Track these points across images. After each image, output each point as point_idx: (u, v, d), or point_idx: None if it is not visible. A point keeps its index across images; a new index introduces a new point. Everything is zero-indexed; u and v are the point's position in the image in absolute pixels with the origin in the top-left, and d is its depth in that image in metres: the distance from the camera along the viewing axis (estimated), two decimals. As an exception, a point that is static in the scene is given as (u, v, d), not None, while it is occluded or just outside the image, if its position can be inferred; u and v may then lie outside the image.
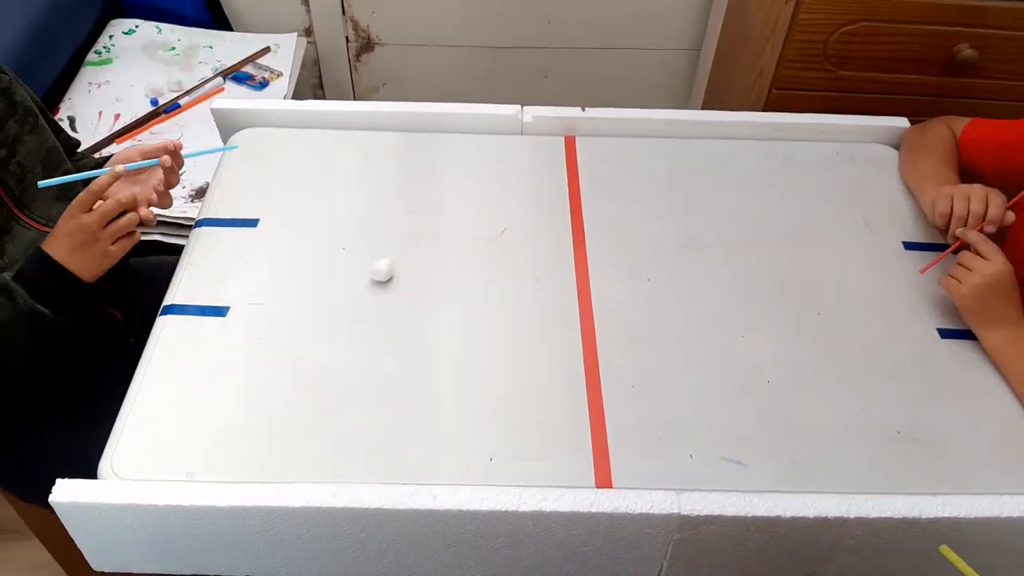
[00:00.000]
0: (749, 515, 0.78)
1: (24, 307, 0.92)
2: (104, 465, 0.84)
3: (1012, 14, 1.34)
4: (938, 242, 1.09)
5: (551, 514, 0.78)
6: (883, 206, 1.14)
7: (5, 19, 1.49)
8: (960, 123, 1.15)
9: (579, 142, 1.23)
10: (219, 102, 1.24)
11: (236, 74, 1.71)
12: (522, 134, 1.25)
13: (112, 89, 1.64)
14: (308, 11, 1.94)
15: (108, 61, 1.70)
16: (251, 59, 1.74)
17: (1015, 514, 0.79)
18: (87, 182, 0.95)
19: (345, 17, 1.97)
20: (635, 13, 1.95)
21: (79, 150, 1.27)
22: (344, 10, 1.96)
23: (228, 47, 1.78)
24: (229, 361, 0.93)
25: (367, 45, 2.04)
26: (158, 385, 0.91)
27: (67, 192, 1.05)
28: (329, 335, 0.96)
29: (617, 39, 2.00)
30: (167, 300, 1.00)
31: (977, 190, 0.99)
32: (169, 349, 0.94)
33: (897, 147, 1.23)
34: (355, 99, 2.13)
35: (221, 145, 1.25)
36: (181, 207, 1.42)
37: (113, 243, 0.95)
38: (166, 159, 1.01)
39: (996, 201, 0.97)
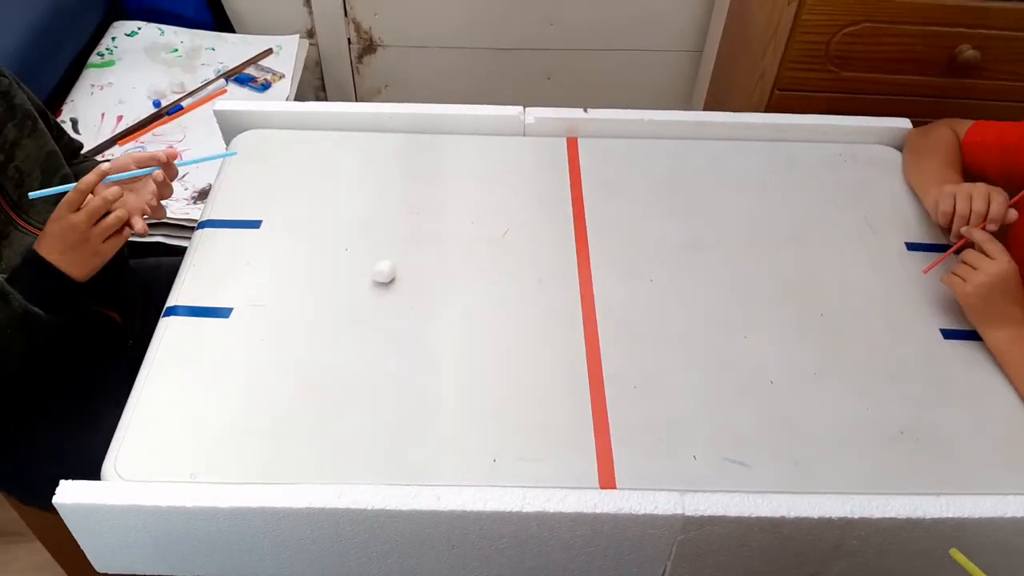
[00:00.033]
0: (753, 516, 0.78)
1: (19, 309, 0.92)
2: (108, 466, 0.84)
3: (1014, 15, 1.35)
4: (941, 243, 1.09)
5: (555, 515, 0.78)
6: (885, 207, 1.14)
7: (8, 21, 1.49)
8: (963, 125, 1.15)
9: (581, 143, 1.23)
10: (222, 104, 1.24)
11: (238, 76, 1.71)
12: (524, 135, 1.25)
13: (115, 91, 1.64)
14: (310, 13, 1.94)
15: (111, 63, 1.70)
16: (253, 61, 1.75)
17: (1020, 514, 0.79)
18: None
19: (347, 19, 1.97)
20: (637, 15, 1.95)
21: (82, 152, 1.27)
22: (346, 12, 1.96)
23: (230, 49, 1.79)
24: (232, 362, 0.93)
25: (369, 47, 2.04)
26: (161, 386, 0.91)
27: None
28: (332, 336, 0.96)
29: (619, 41, 2.00)
30: (170, 301, 1.00)
31: (979, 188, 0.99)
32: (172, 350, 0.94)
33: (899, 148, 1.23)
34: (357, 101, 2.13)
35: (223, 148, 1.26)
36: (183, 209, 1.42)
37: (103, 241, 0.94)
38: (158, 173, 0.99)
39: (998, 199, 0.97)
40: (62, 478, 0.79)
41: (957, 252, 1.00)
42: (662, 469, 0.84)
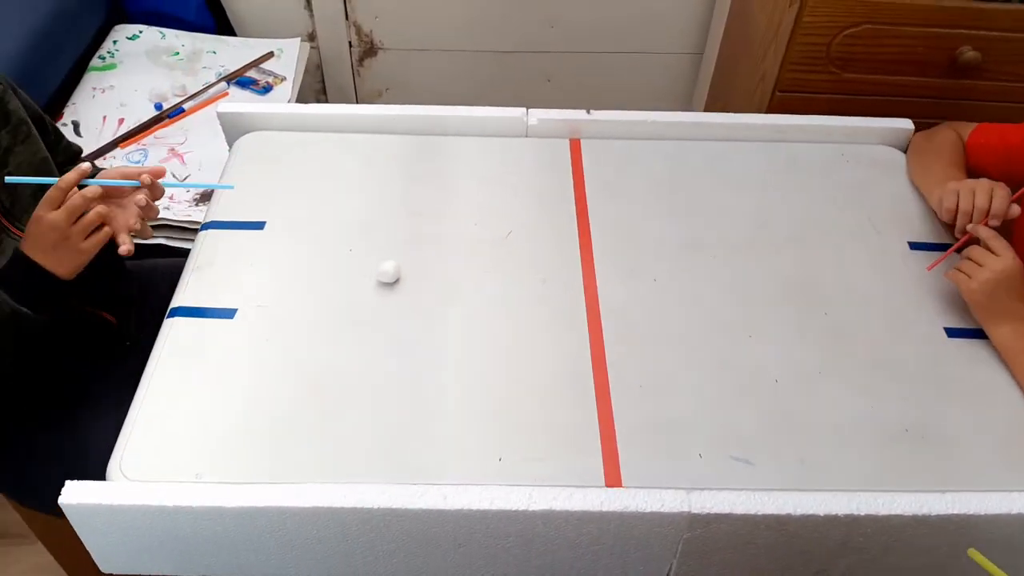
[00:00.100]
0: (759, 513, 0.78)
1: (7, 309, 0.92)
2: (113, 466, 0.84)
3: (1014, 16, 1.35)
4: (944, 242, 1.09)
5: (561, 513, 0.78)
6: (888, 207, 1.15)
7: (9, 24, 1.49)
8: (966, 128, 1.16)
9: (584, 144, 1.23)
10: (224, 106, 1.24)
11: (240, 79, 1.71)
12: (527, 136, 1.25)
13: (116, 94, 1.64)
14: (311, 16, 1.95)
15: (112, 66, 1.71)
16: (255, 64, 1.75)
17: (1025, 511, 0.79)
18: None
19: (348, 22, 1.98)
20: (637, 17, 1.95)
21: (82, 156, 1.27)
22: (347, 15, 1.96)
23: (232, 52, 1.79)
24: (237, 363, 0.93)
25: (370, 50, 2.04)
26: (166, 386, 0.91)
27: None
28: (336, 337, 0.96)
29: (619, 43, 2.01)
30: (174, 302, 1.00)
31: (982, 184, 0.99)
32: (177, 351, 0.94)
33: (901, 148, 1.24)
34: (358, 104, 2.14)
35: (225, 150, 1.25)
36: (185, 211, 1.42)
37: (84, 239, 0.93)
38: (140, 198, 0.97)
39: (1000, 194, 0.98)
40: (61, 480, 0.79)
41: (960, 249, 1.01)
42: (667, 468, 0.84)
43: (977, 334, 0.98)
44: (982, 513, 0.79)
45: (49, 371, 1.10)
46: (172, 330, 0.97)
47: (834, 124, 1.24)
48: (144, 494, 0.78)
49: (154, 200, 1.00)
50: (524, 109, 1.24)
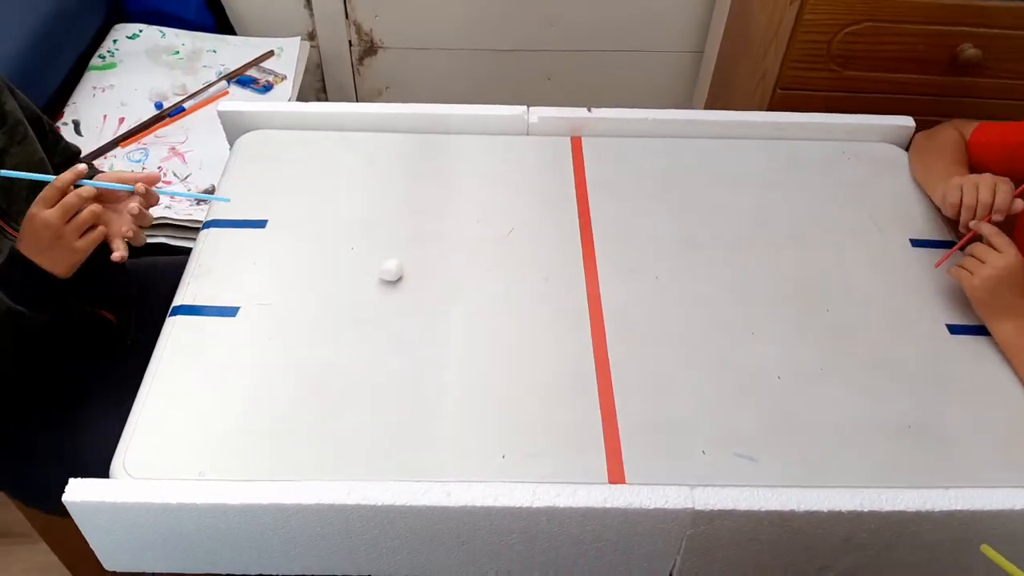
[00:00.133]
0: (763, 509, 0.78)
1: (2, 308, 0.91)
2: (116, 464, 0.84)
3: (1015, 13, 1.35)
4: (946, 239, 1.09)
5: (565, 510, 0.78)
6: (889, 204, 1.15)
7: (9, 24, 1.49)
8: (968, 127, 1.16)
9: (585, 142, 1.23)
10: (225, 104, 1.24)
11: (240, 78, 1.71)
12: (528, 135, 1.25)
13: (116, 93, 1.64)
14: (311, 15, 1.94)
15: (112, 65, 1.70)
16: (255, 63, 1.75)
17: (1029, 507, 0.79)
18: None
19: (348, 21, 1.98)
20: (637, 15, 1.95)
21: (81, 155, 1.27)
22: (347, 14, 1.96)
23: (232, 51, 1.79)
24: (239, 361, 0.93)
25: (370, 49, 2.04)
26: (168, 385, 0.91)
27: None
28: (339, 335, 0.96)
29: (619, 41, 2.01)
30: (176, 301, 1.00)
31: (986, 179, 1.00)
32: (179, 349, 0.94)
33: (902, 146, 1.24)
34: (358, 103, 2.14)
35: (226, 148, 1.26)
36: (186, 210, 1.42)
37: (78, 238, 0.93)
38: (134, 205, 0.97)
39: (1004, 189, 0.98)
40: (64, 480, 0.79)
41: (965, 246, 1.01)
42: (670, 465, 0.84)
43: (980, 331, 0.98)
44: (986, 509, 0.79)
45: (50, 370, 1.09)
46: (174, 329, 0.96)
47: (835, 122, 1.24)
48: (148, 491, 0.78)
49: (148, 207, 0.99)
50: (525, 107, 1.24)
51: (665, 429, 0.87)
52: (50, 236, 0.91)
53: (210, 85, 1.67)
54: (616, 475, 0.83)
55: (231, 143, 1.25)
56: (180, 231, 1.39)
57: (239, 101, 1.56)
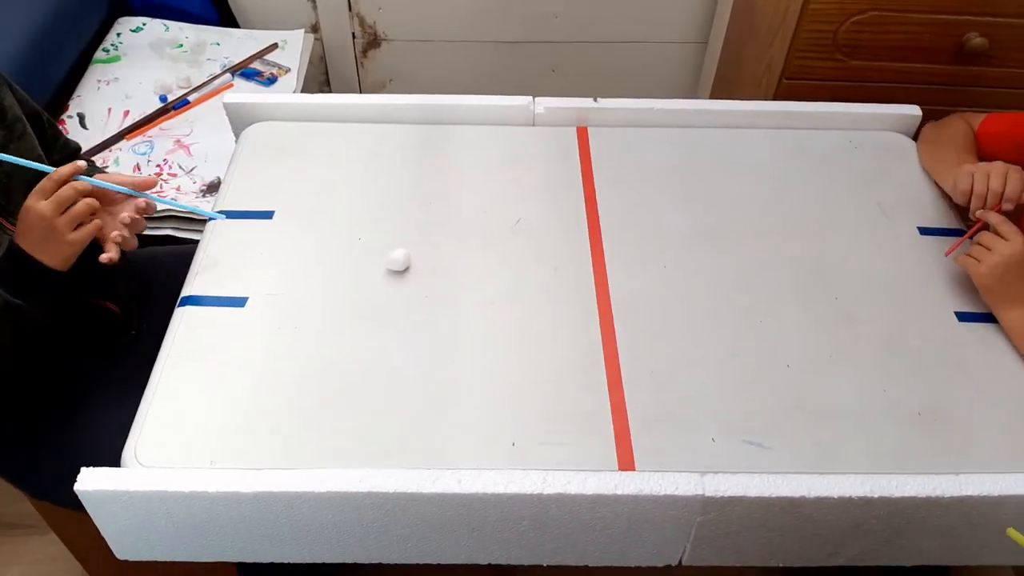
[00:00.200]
0: (773, 496, 0.78)
1: (0, 302, 0.92)
2: (127, 454, 0.84)
3: (1020, 2, 1.35)
4: (954, 227, 1.09)
5: (576, 497, 0.78)
6: (897, 193, 1.15)
7: (13, 17, 1.49)
8: (976, 118, 1.16)
9: (591, 132, 1.23)
10: (231, 96, 1.24)
11: (244, 70, 1.71)
12: (534, 125, 1.25)
13: (121, 86, 1.64)
14: (314, 7, 1.94)
15: (116, 59, 1.70)
16: (259, 55, 1.75)
17: (1039, 492, 0.79)
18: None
19: (351, 13, 1.97)
20: (641, 6, 1.95)
21: (82, 151, 1.26)
22: (350, 6, 1.96)
23: (236, 44, 1.79)
24: (248, 351, 0.93)
25: (373, 41, 2.04)
26: (178, 375, 0.91)
27: None
28: (347, 324, 0.96)
29: (623, 33, 2.01)
30: (185, 291, 1.00)
31: (997, 167, 1.00)
32: (188, 339, 0.95)
33: (909, 135, 1.24)
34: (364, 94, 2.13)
35: (231, 140, 1.26)
36: (192, 202, 1.42)
37: (73, 230, 0.92)
38: (140, 201, 0.98)
39: (1015, 178, 0.98)
40: (71, 472, 0.79)
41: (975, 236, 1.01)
42: (680, 452, 0.85)
43: (987, 318, 0.98)
44: (995, 495, 0.79)
45: (56, 363, 1.10)
46: (183, 319, 0.97)
47: (842, 111, 1.24)
48: (161, 480, 0.78)
49: (146, 213, 0.99)
50: (531, 98, 1.24)
51: (675, 416, 0.88)
52: (44, 228, 0.91)
53: (214, 78, 1.67)
54: (626, 462, 0.83)
55: (237, 135, 1.25)
56: (186, 223, 1.39)
57: (244, 93, 1.56)
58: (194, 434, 0.85)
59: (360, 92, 2.13)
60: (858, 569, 0.89)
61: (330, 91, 2.11)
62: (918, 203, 1.13)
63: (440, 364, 0.92)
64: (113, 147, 1.52)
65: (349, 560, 0.87)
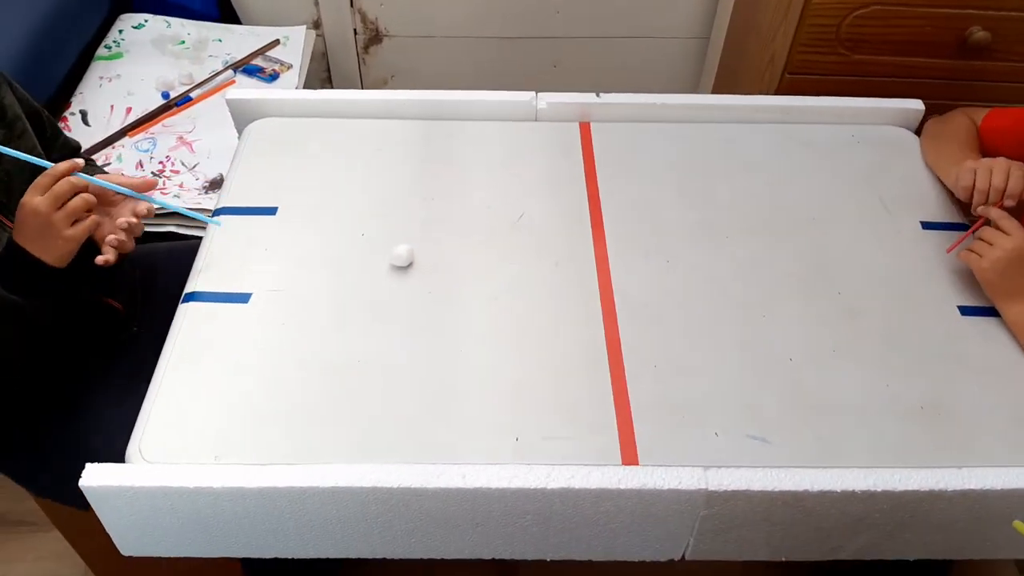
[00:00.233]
0: (776, 490, 0.78)
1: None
2: (132, 450, 0.84)
3: (1024, -5, 1.35)
4: (956, 221, 1.09)
5: (579, 491, 0.78)
6: (900, 187, 1.15)
7: (15, 14, 1.49)
8: (979, 113, 1.16)
9: (594, 128, 1.23)
10: (234, 92, 1.24)
11: (246, 67, 1.71)
12: (536, 120, 1.25)
13: (123, 83, 1.65)
14: (316, 4, 1.94)
15: (118, 55, 1.71)
16: (261, 52, 1.75)
17: (1042, 486, 0.79)
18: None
19: (353, 9, 1.97)
20: (643, 1, 1.95)
21: (87, 148, 1.27)
22: (352, 2, 1.96)
23: (237, 40, 1.79)
24: (252, 346, 0.93)
25: (375, 37, 2.04)
26: (182, 370, 0.91)
27: None
28: (351, 320, 0.96)
29: (625, 28, 2.00)
30: (189, 287, 1.00)
31: (1000, 163, 1.00)
32: (192, 335, 0.95)
33: (912, 129, 1.24)
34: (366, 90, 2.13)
35: (234, 137, 1.26)
36: (195, 198, 1.42)
37: (69, 226, 0.92)
38: (141, 207, 0.98)
39: (1017, 174, 0.98)
40: (74, 470, 0.79)
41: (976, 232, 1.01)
42: (683, 446, 0.85)
43: (990, 312, 0.98)
44: (999, 488, 0.79)
45: (59, 360, 1.10)
46: (187, 315, 0.97)
47: (844, 105, 1.23)
48: (165, 476, 0.78)
49: (145, 218, 0.99)
50: (533, 93, 1.24)
51: (678, 411, 0.88)
52: (40, 223, 0.90)
53: (216, 74, 1.68)
54: (629, 457, 0.83)
55: (239, 131, 1.25)
56: (189, 220, 1.40)
57: (247, 89, 1.56)
58: (198, 430, 0.86)
59: (362, 88, 2.13)
60: (861, 563, 0.89)
61: (332, 88, 2.11)
62: (920, 197, 1.13)
63: (444, 359, 0.93)
64: (115, 144, 1.52)
65: (353, 555, 0.87)
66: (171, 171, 1.47)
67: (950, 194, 1.12)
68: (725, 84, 1.89)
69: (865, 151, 1.20)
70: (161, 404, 0.88)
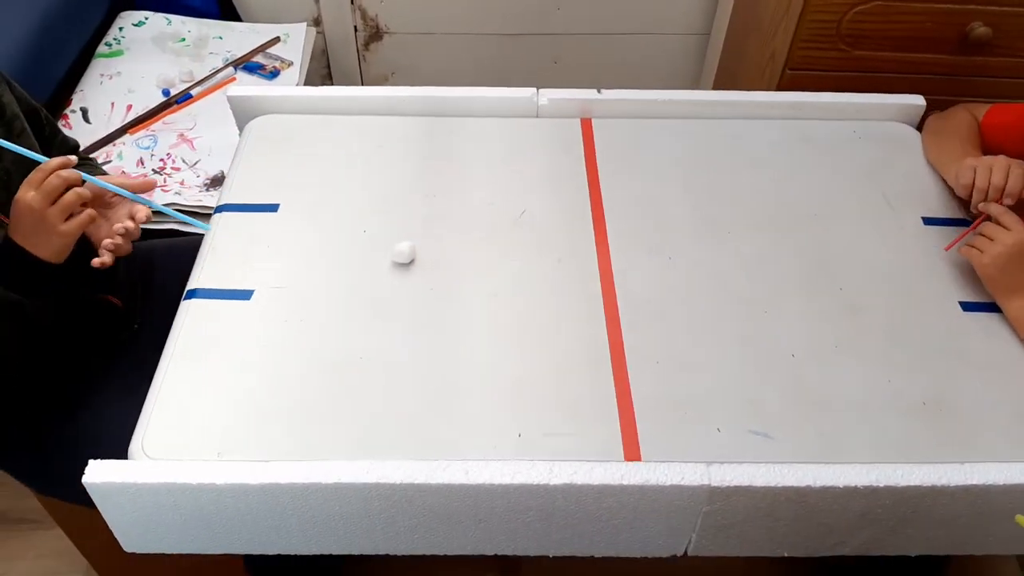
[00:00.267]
0: (779, 485, 0.78)
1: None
2: (135, 446, 0.84)
3: (1025, -9, 1.35)
4: (958, 217, 1.09)
5: (582, 487, 0.78)
6: (902, 183, 1.14)
7: (15, 12, 1.49)
8: (981, 109, 1.16)
9: (596, 124, 1.23)
10: (235, 89, 1.24)
11: (247, 64, 1.71)
12: (537, 116, 1.25)
13: (124, 80, 1.64)
14: (316, 1, 1.94)
15: (119, 53, 1.70)
16: (261, 49, 1.75)
17: (1044, 481, 0.79)
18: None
19: (353, 6, 1.97)
20: (643, -2, 1.95)
21: (89, 145, 1.27)
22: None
23: (238, 37, 1.79)
24: (254, 343, 0.93)
25: (375, 34, 2.04)
26: (185, 367, 0.91)
27: None
28: (353, 316, 0.96)
29: (625, 24, 2.00)
30: (191, 284, 1.00)
31: (1000, 162, 1.00)
32: (194, 332, 0.95)
33: (914, 125, 1.24)
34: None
35: (235, 134, 1.26)
36: (196, 196, 1.42)
37: (63, 221, 0.91)
38: (140, 215, 0.98)
39: (1017, 173, 0.98)
40: (76, 467, 0.79)
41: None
42: (686, 442, 0.85)
43: (992, 308, 0.98)
44: (1001, 484, 0.79)
45: (59, 358, 1.10)
46: (189, 312, 0.97)
47: (846, 101, 1.23)
48: (168, 472, 0.78)
49: (143, 224, 1.00)
50: (535, 89, 1.24)
51: (680, 407, 0.88)
52: (33, 219, 0.90)
53: (217, 71, 1.67)
54: (632, 453, 0.83)
55: (240, 128, 1.25)
56: (190, 217, 1.39)
57: (248, 86, 1.56)
58: (201, 426, 0.86)
59: (362, 85, 2.13)
60: (862, 559, 0.89)
61: (332, 85, 2.11)
62: (922, 193, 1.13)
63: (446, 356, 0.93)
64: (116, 141, 1.52)
65: (356, 551, 0.87)
66: (172, 168, 1.47)
67: (952, 190, 1.12)
68: (726, 81, 1.88)
69: (867, 147, 1.20)
70: (164, 401, 0.88)
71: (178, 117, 1.58)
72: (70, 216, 0.92)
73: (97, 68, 1.66)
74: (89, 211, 0.94)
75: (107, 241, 0.96)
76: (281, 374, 0.90)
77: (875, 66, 1.45)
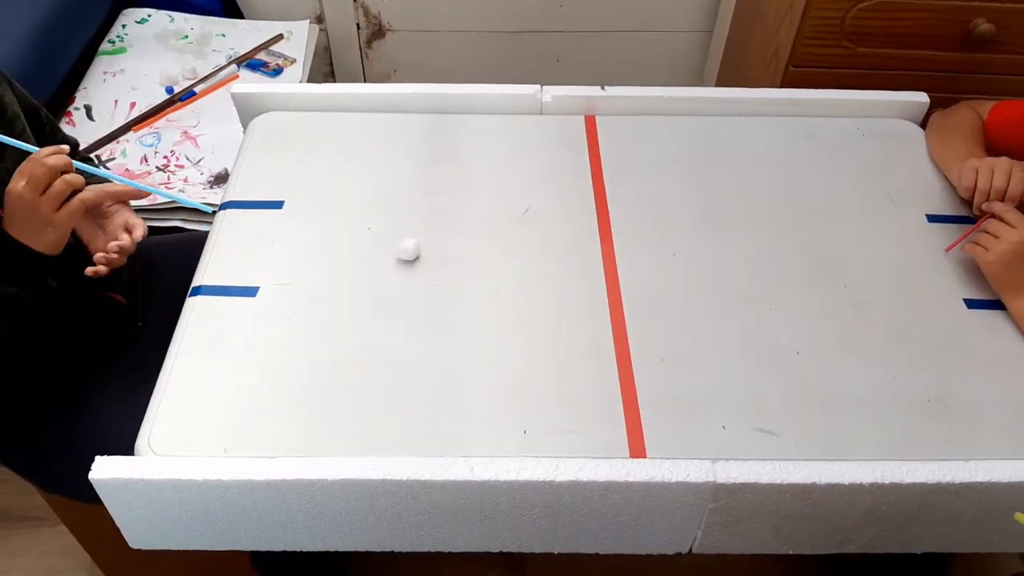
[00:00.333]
0: (784, 483, 0.78)
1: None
2: (141, 443, 0.84)
3: (1030, -13, 1.34)
4: (962, 215, 1.09)
5: (588, 484, 0.79)
6: (905, 180, 1.14)
7: (18, 11, 1.49)
8: (985, 106, 1.16)
9: (599, 121, 1.23)
10: (239, 86, 1.24)
11: (250, 61, 1.71)
12: (541, 114, 1.25)
13: (127, 78, 1.64)
14: (319, -2, 1.94)
15: (122, 50, 1.70)
16: (264, 46, 1.74)
17: (1048, 478, 0.79)
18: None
19: (356, 4, 1.97)
20: (646, -5, 1.95)
21: (91, 144, 1.26)
22: (355, -3, 1.96)
23: (241, 35, 1.79)
24: (260, 340, 0.94)
25: (378, 32, 2.04)
26: (191, 364, 0.91)
27: None
28: (358, 313, 0.97)
29: (628, 22, 2.00)
30: (196, 281, 1.00)
31: (1002, 163, 1.00)
32: (200, 328, 0.95)
33: (917, 122, 1.23)
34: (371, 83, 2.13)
35: (239, 131, 1.26)
36: (200, 193, 1.42)
37: (55, 211, 0.90)
38: (138, 233, 0.99)
39: (1018, 176, 0.99)
40: (80, 465, 0.80)
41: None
42: (691, 439, 0.85)
43: (996, 305, 0.98)
44: (1006, 481, 0.79)
45: (62, 355, 1.10)
46: (195, 308, 0.97)
47: (849, 98, 1.23)
48: (174, 468, 0.79)
49: (137, 240, 1.00)
50: (538, 86, 1.24)
51: (684, 404, 0.88)
52: (24, 209, 0.90)
53: (220, 69, 1.67)
54: (637, 450, 0.83)
55: (244, 125, 1.25)
56: (195, 214, 1.40)
57: (252, 83, 1.56)
58: (207, 423, 0.86)
59: (365, 83, 2.13)
60: (869, 557, 0.90)
61: (335, 82, 2.11)
62: (926, 190, 1.13)
63: (450, 353, 0.93)
64: (120, 139, 1.52)
65: (362, 548, 0.87)
66: (176, 166, 1.47)
67: (956, 188, 1.12)
68: (729, 77, 1.88)
69: (870, 144, 1.20)
70: (170, 397, 0.88)
71: (182, 114, 1.58)
72: (62, 206, 0.91)
73: (100, 66, 1.66)
74: (80, 196, 0.92)
75: (99, 255, 0.97)
76: (286, 370, 0.91)
77: (879, 63, 1.45)
